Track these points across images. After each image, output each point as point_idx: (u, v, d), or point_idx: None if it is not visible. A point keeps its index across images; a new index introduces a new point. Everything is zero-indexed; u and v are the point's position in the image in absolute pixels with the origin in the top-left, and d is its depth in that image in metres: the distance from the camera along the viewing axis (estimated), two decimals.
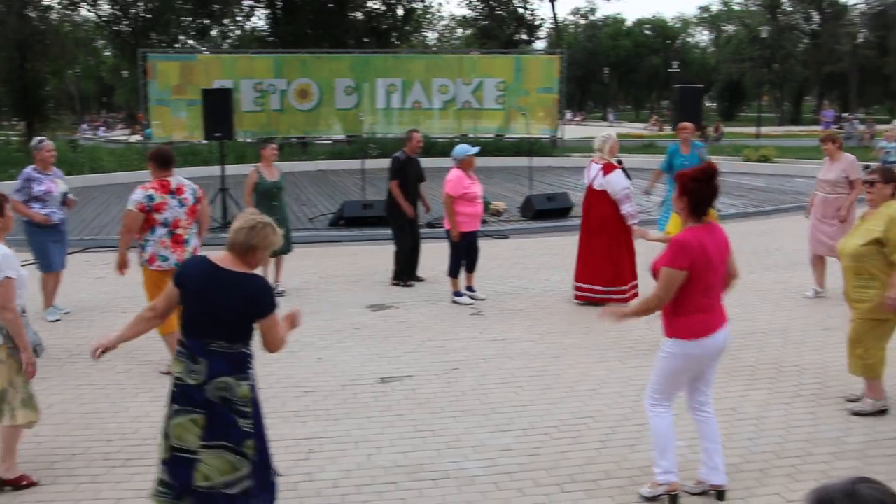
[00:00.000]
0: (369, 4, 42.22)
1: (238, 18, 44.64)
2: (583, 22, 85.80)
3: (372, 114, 27.68)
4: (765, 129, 45.10)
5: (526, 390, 6.72)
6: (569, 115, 55.56)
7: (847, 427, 5.88)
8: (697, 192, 4.61)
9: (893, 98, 72.30)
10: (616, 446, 5.61)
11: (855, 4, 69.32)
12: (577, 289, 9.50)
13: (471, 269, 9.78)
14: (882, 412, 6.07)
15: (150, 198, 7.02)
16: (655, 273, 4.68)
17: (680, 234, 4.67)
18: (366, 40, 40.42)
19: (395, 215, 10.57)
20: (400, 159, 10.41)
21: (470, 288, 9.78)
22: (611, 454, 5.48)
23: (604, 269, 9.22)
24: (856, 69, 65.93)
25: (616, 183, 9.11)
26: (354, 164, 22.35)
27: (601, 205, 9.21)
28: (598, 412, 6.22)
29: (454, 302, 9.57)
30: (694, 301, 4.59)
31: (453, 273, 9.69)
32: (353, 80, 28.02)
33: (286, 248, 9.91)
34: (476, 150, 9.59)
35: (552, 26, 53.06)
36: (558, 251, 12.80)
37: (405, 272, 10.62)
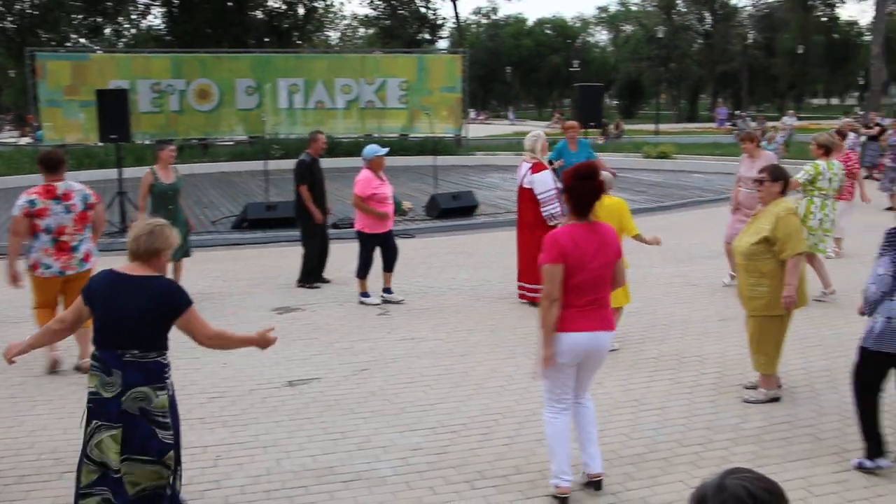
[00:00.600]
0: (269, 3, 41.67)
1: (133, 17, 43.39)
2: (485, 21, 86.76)
3: (274, 114, 27.31)
4: (663, 127, 46.39)
5: (434, 389, 6.75)
6: (472, 114, 56.03)
7: (745, 414, 6.10)
8: (579, 189, 4.66)
9: (781, 97, 75.46)
10: (525, 441, 5.68)
11: (744, 7, 72.11)
12: (519, 287, 9.62)
13: (388, 268, 9.71)
14: (774, 400, 6.32)
15: (32, 203, 6.80)
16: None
17: (555, 230, 4.78)
18: (266, 40, 39.88)
19: (304, 217, 10.46)
20: (306, 162, 10.31)
21: (387, 290, 9.68)
22: (520, 449, 5.55)
23: (535, 268, 9.27)
24: (746, 69, 68.56)
25: (542, 183, 9.12)
26: (257, 165, 21.98)
27: (533, 203, 9.22)
28: (507, 408, 6.29)
29: (361, 303, 9.53)
30: (564, 297, 4.61)
31: (362, 274, 9.63)
32: (254, 80, 27.59)
33: (184, 252, 9.71)
34: (385, 150, 9.56)
35: (454, 26, 53.34)
36: (464, 250, 12.90)
37: (312, 274, 10.53)
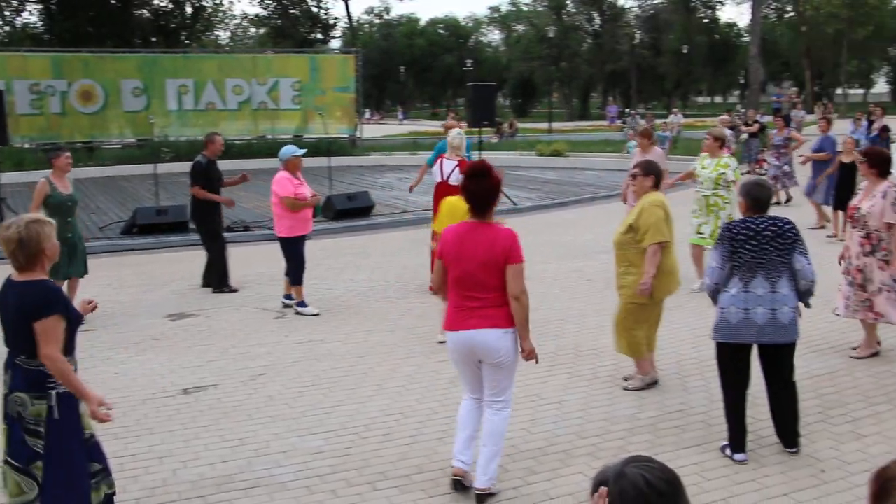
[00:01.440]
0: (155, 2, 40.60)
1: (6, 13, 41.53)
2: (377, 21, 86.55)
3: (163, 116, 26.57)
4: (556, 125, 47.19)
5: (334, 391, 6.70)
6: (367, 114, 55.86)
7: (640, 404, 6.27)
8: (475, 187, 4.73)
9: (668, 95, 77.87)
10: (426, 440, 5.70)
11: (631, 8, 74.17)
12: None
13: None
14: (653, 384, 6.57)
15: None
16: None
17: (447, 226, 4.91)
18: (153, 39, 38.80)
19: (205, 221, 10.24)
20: (202, 163, 10.09)
21: (289, 296, 9.38)
22: (421, 448, 5.57)
23: None
24: (634, 68, 70.51)
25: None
26: (146, 168, 21.42)
27: None
28: (408, 408, 6.30)
29: (298, 313, 9.10)
30: (448, 292, 4.83)
31: (298, 279, 9.16)
32: (140, 81, 26.73)
33: (82, 270, 9.09)
34: (302, 151, 9.43)
35: (347, 26, 53.12)
36: (361, 250, 12.85)
37: (225, 277, 10.30)
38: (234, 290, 10.24)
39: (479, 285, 4.67)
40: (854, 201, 7.41)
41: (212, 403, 6.49)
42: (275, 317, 9.07)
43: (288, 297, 9.40)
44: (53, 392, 4.00)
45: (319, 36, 49.35)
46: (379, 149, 30.82)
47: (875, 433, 5.67)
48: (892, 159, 7.55)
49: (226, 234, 10.76)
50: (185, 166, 10.21)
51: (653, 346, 6.70)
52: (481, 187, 4.71)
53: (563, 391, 6.59)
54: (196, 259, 12.22)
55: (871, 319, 7.24)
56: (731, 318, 5.20)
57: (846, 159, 12.38)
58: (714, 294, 5.33)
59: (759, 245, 5.16)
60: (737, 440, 5.35)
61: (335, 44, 56.02)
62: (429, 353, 7.61)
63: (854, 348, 7.44)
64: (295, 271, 9.17)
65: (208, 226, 10.25)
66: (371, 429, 5.92)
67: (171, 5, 41.20)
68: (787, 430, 5.41)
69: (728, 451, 5.36)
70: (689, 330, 8.16)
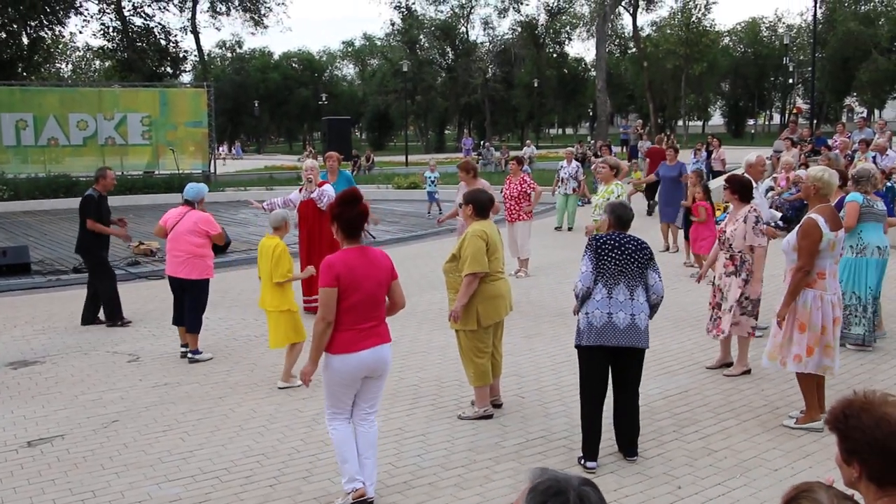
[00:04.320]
0: None
1: None
2: (230, 55, 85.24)
3: (0, 152, 25.24)
4: (413, 158, 47.66)
5: (193, 435, 6.49)
6: (223, 149, 54.74)
7: (504, 432, 6.37)
8: (346, 214, 4.92)
9: (522, 127, 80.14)
10: (290, 480, 5.59)
11: (482, 42, 76.02)
12: (305, 301, 9.93)
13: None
14: (487, 418, 6.66)
15: None
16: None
17: (329, 255, 4.98)
18: None
19: (93, 253, 10.16)
20: (94, 197, 10.07)
21: (185, 345, 8.84)
22: (285, 489, 5.45)
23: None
24: (488, 100, 72.22)
25: (328, 193, 10.19)
26: None
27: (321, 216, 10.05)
28: (270, 448, 6.17)
29: (193, 361, 8.60)
30: (339, 318, 4.86)
31: (198, 327, 8.70)
32: None
33: None
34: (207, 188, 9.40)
35: (197, 59, 52.02)
36: (217, 288, 12.52)
37: (118, 310, 10.20)
38: (128, 323, 10.19)
39: (376, 306, 4.99)
40: (722, 224, 7.88)
41: (59, 455, 6.16)
42: (128, 360, 8.71)
43: (185, 345, 8.82)
44: None
45: (169, 69, 48.14)
46: (234, 184, 30.25)
47: (725, 448, 5.96)
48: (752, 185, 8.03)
49: (75, 276, 10.38)
50: (27, 205, 9.80)
51: (497, 372, 6.84)
52: (353, 214, 4.92)
53: (427, 423, 6.62)
54: (39, 303, 11.62)
55: (716, 335, 7.67)
56: (596, 321, 5.51)
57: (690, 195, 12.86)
58: (584, 297, 5.62)
59: (622, 255, 5.57)
60: (590, 448, 5.61)
61: (186, 78, 54.82)
62: (290, 391, 7.49)
63: (715, 368, 7.81)
64: (199, 318, 8.74)
65: (97, 257, 10.17)
66: (232, 472, 5.76)
67: (3, 35, 39.27)
68: (627, 440, 5.73)
69: (582, 462, 5.62)
70: (548, 356, 8.36)
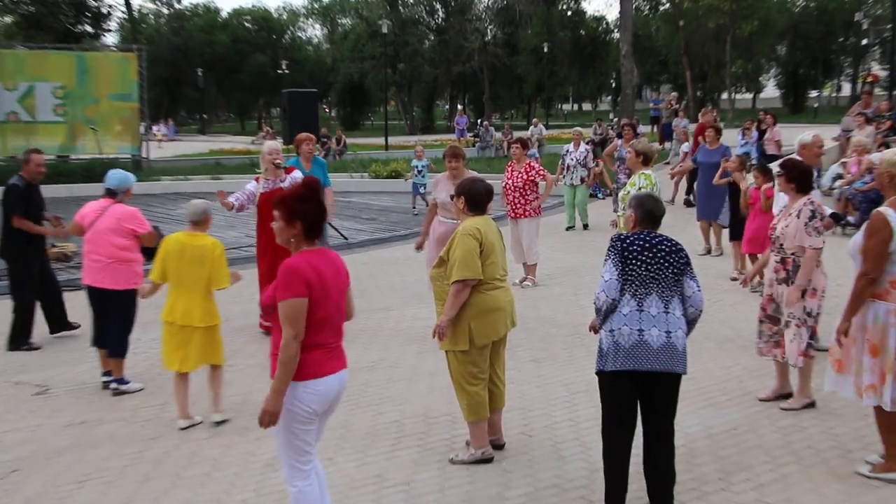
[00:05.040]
0: None
1: None
2: (166, 12, 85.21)
3: None
4: (394, 140, 47.71)
5: (118, 486, 6.43)
6: (156, 128, 54.68)
7: (507, 480, 6.32)
8: (307, 212, 4.85)
9: (529, 102, 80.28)
10: None
11: None
12: (262, 317, 9.88)
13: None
14: (485, 461, 6.61)
15: None
16: (266, 308, 4.90)
17: (291, 259, 4.87)
18: None
19: (14, 259, 10.19)
20: (20, 187, 10.03)
21: (108, 372, 8.76)
22: None
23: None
24: (487, 69, 72.31)
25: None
26: None
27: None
28: (215, 500, 6.12)
29: (120, 392, 8.56)
30: (308, 336, 4.79)
31: (124, 350, 8.63)
32: None
33: None
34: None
35: (125, 16, 52.00)
36: (148, 302, 12.43)
37: (28, 332, 10.20)
38: (36, 347, 10.20)
39: (342, 318, 5.05)
40: (775, 221, 7.83)
41: None
42: (34, 392, 8.65)
43: (108, 373, 8.75)
44: None
45: (89, 28, 48.07)
46: (172, 172, 30.18)
47: (783, 500, 5.92)
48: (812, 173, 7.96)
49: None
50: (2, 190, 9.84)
51: (498, 404, 6.79)
52: (314, 211, 4.88)
53: (412, 469, 6.57)
54: None
55: (780, 358, 7.62)
56: (624, 340, 5.44)
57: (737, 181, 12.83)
58: (608, 311, 5.55)
59: (654, 258, 5.51)
60: (614, 500, 5.56)
61: (111, 39, 54.77)
62: (243, 429, 7.44)
63: (771, 399, 7.78)
64: (126, 337, 8.66)
65: (17, 265, 10.23)
66: None
67: None
68: (661, 489, 5.64)
69: None
70: (562, 385, 8.32)
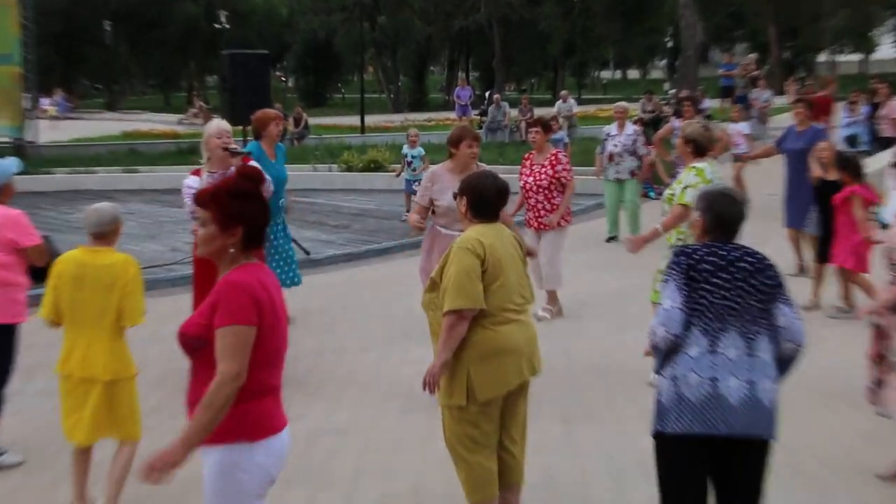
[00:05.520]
0: None
1: None
2: None
3: None
4: (373, 119, 47.73)
5: None
6: (47, 101, 54.75)
7: None
8: (250, 214, 4.80)
9: (556, 69, 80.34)
10: None
11: None
12: None
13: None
14: None
15: None
16: (190, 342, 4.74)
17: (233, 274, 4.78)
18: None
19: None
20: None
21: None
22: None
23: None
24: (498, 24, 72.33)
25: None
26: None
27: None
28: None
29: None
30: (255, 377, 4.70)
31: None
32: None
33: None
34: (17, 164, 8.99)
35: None
36: (37, 337, 12.37)
37: None
38: None
39: (284, 353, 5.04)
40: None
41: None
42: None
43: None
44: None
45: None
46: (70, 162, 30.14)
47: None
48: None
49: None
50: None
51: (514, 479, 6.71)
52: (257, 208, 4.87)
53: None
54: None
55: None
56: (692, 393, 5.37)
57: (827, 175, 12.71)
58: (669, 351, 5.47)
59: (732, 280, 5.43)
60: None
61: None
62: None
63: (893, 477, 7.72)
64: (1, 390, 8.53)
65: None
66: None
67: None
68: None
69: None
70: (603, 454, 8.25)
